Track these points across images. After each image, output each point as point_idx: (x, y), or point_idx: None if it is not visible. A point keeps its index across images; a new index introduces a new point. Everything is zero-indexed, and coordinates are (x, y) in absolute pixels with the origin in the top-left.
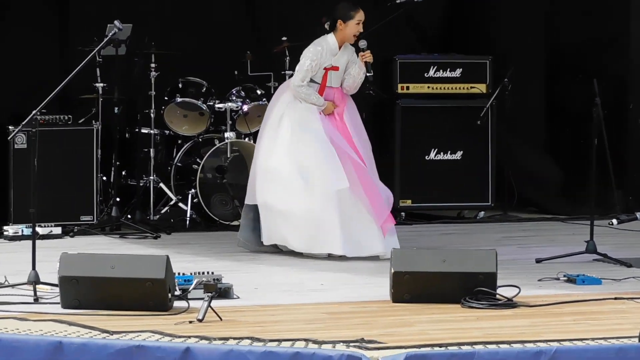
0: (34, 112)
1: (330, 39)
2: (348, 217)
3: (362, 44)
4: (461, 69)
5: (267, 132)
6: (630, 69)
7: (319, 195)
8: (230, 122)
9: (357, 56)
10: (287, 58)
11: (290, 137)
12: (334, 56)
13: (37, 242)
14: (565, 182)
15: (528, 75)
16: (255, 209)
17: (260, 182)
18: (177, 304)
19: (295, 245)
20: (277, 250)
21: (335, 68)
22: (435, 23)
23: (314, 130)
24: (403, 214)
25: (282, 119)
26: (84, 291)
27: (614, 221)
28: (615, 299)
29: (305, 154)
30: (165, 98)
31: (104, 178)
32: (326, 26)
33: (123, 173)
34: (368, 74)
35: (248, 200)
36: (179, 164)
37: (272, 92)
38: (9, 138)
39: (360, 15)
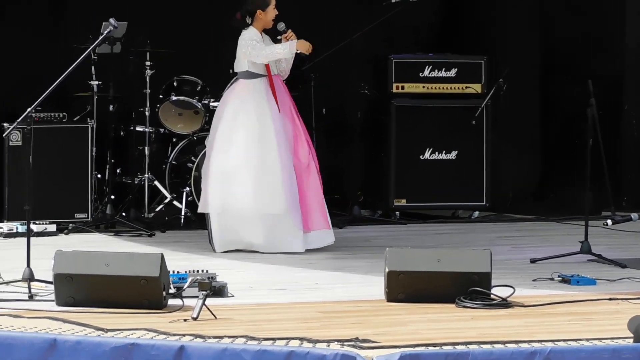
0: (29, 109)
1: (252, 31)
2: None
3: (281, 26)
4: (456, 69)
5: (220, 135)
6: (625, 70)
7: (281, 195)
8: None
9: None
10: None
11: (246, 139)
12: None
13: (32, 239)
14: (559, 183)
15: (523, 75)
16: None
17: (214, 187)
18: (171, 302)
19: (256, 243)
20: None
21: None
22: (430, 23)
23: (270, 139)
24: (397, 213)
25: (235, 121)
26: (78, 289)
27: (609, 222)
28: (610, 299)
29: (264, 158)
30: (160, 96)
31: (99, 176)
32: (247, 20)
33: (118, 171)
34: (303, 55)
35: (202, 209)
36: (174, 162)
37: None
38: (3, 135)
39: (274, 0)
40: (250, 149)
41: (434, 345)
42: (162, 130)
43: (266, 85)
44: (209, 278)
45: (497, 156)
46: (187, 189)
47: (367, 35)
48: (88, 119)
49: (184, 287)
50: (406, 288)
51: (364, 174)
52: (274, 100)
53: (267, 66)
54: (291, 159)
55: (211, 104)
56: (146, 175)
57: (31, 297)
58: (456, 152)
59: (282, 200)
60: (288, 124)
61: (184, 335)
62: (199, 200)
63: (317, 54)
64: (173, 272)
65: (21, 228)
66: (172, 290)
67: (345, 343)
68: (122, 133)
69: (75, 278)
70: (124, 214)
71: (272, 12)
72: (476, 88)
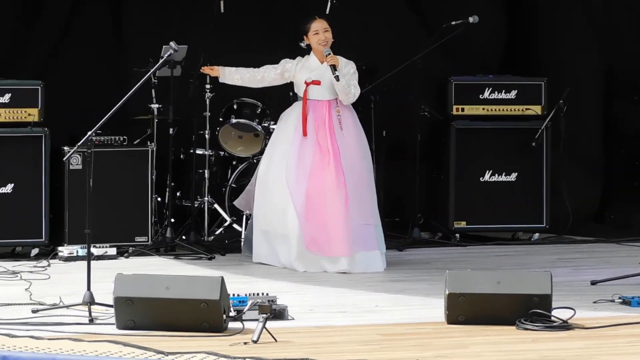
0: (89, 133)
1: (311, 56)
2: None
3: (326, 51)
4: (516, 91)
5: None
6: None
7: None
8: None
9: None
10: None
11: (273, 160)
12: (312, 71)
13: (92, 262)
14: (620, 204)
15: (584, 96)
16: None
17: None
18: (231, 325)
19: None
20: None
21: (316, 82)
22: (490, 44)
23: (280, 163)
24: (457, 235)
25: (274, 142)
26: (138, 312)
27: None
28: None
29: (274, 180)
30: (220, 119)
31: (159, 199)
32: (302, 45)
33: (178, 194)
34: (333, 76)
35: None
36: (234, 185)
37: None
38: (64, 159)
39: (314, 26)
40: (271, 171)
41: None
42: (222, 153)
43: (300, 108)
44: (269, 301)
45: (558, 178)
46: (247, 211)
47: (427, 57)
48: (148, 142)
49: (244, 310)
50: (466, 310)
51: (424, 196)
52: (302, 124)
53: (304, 90)
54: (300, 183)
55: (271, 126)
56: (206, 198)
57: (91, 321)
58: (516, 174)
59: (285, 222)
60: (310, 149)
61: (244, 358)
62: None
63: (378, 76)
64: (233, 295)
65: (81, 252)
66: (232, 314)
67: None
68: (182, 156)
69: (135, 301)
70: (183, 237)
71: (313, 38)
72: (536, 110)
